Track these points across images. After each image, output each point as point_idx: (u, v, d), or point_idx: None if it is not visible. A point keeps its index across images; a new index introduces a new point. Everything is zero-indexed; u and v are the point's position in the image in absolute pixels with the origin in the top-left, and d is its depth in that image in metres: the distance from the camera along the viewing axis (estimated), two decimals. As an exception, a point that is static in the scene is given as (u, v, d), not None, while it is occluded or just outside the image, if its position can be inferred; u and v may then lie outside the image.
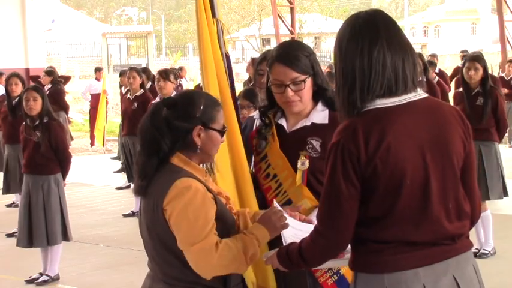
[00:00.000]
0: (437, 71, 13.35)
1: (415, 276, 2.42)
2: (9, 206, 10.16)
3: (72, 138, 13.60)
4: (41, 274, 6.70)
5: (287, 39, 16.25)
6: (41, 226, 6.55)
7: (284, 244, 2.79)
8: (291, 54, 3.26)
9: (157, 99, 8.56)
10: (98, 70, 17.12)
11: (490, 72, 8.83)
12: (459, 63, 17.04)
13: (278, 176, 3.35)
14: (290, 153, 3.31)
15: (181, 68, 17.82)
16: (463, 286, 2.47)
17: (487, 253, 6.90)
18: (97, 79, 16.50)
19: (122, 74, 12.91)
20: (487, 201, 6.95)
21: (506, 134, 11.63)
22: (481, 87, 6.97)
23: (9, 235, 8.40)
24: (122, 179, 12.04)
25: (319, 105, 3.35)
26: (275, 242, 2.89)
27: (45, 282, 6.65)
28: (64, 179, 6.81)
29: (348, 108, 2.47)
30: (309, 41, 36.79)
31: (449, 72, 16.55)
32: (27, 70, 16.14)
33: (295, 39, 17.26)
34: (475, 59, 7.02)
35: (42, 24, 20.36)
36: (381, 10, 2.60)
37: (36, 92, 6.66)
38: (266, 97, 3.46)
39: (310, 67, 3.28)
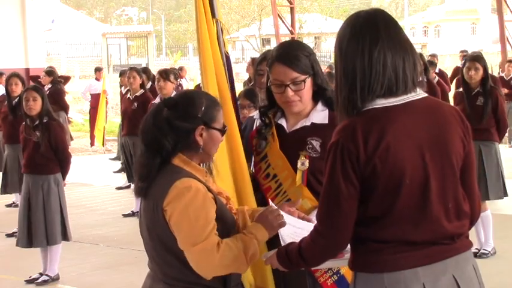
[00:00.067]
0: (437, 71, 13.36)
1: (414, 276, 2.43)
2: (9, 206, 10.16)
3: (72, 138, 13.60)
4: (41, 274, 6.70)
5: (287, 39, 16.25)
6: (41, 226, 6.55)
7: (282, 243, 2.79)
8: (291, 54, 3.26)
9: (157, 99, 8.58)
10: (98, 70, 17.12)
11: (490, 72, 8.83)
12: (459, 63, 17.05)
13: (278, 176, 3.36)
14: (290, 153, 3.31)
15: (181, 68, 17.82)
16: (463, 286, 2.47)
17: (487, 253, 6.90)
18: (97, 79, 16.50)
19: (122, 74, 12.92)
20: (487, 201, 6.95)
21: (506, 134, 11.62)
22: (481, 87, 6.97)
23: (9, 235, 8.40)
24: (122, 179, 12.05)
25: (319, 105, 3.35)
26: (274, 241, 2.89)
27: (45, 282, 6.65)
28: (64, 179, 6.81)
29: (348, 108, 2.47)
30: (309, 41, 36.79)
31: (448, 72, 16.54)
32: (27, 70, 16.14)
33: (295, 39, 17.26)
34: (475, 59, 7.03)
35: (42, 24, 20.37)
36: (381, 9, 2.59)
37: (36, 92, 6.66)
38: (266, 97, 3.46)
39: (310, 67, 3.28)
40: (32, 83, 10.92)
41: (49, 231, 6.56)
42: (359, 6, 51.65)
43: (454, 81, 11.43)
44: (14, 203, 9.98)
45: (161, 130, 2.78)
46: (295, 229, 2.89)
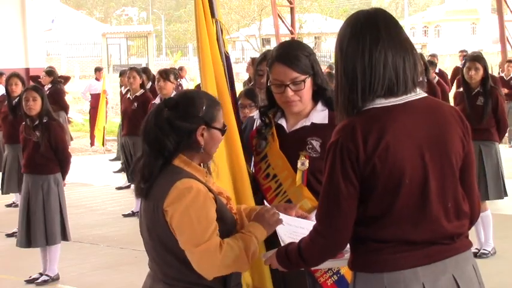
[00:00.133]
0: (437, 71, 13.36)
1: (414, 276, 2.42)
2: (9, 206, 10.17)
3: (71, 138, 13.60)
4: (41, 274, 6.70)
5: (287, 39, 16.24)
6: (40, 226, 6.55)
7: (281, 243, 2.79)
8: (291, 54, 3.26)
9: (158, 100, 8.58)
10: (98, 70, 17.12)
11: (490, 72, 8.83)
12: (459, 63, 17.05)
13: (278, 176, 3.35)
14: (290, 153, 3.31)
15: (181, 68, 17.81)
16: (463, 285, 2.47)
17: (487, 253, 6.90)
18: (97, 79, 16.50)
19: (122, 74, 12.92)
20: (487, 201, 6.95)
21: (506, 134, 11.61)
22: (481, 87, 6.97)
23: (9, 235, 8.40)
24: (122, 179, 12.05)
25: (319, 105, 3.35)
26: (273, 241, 2.89)
27: (45, 282, 6.65)
28: (64, 179, 6.81)
29: (348, 107, 2.47)
30: (309, 41, 36.79)
31: (448, 72, 16.54)
32: (27, 70, 16.14)
33: (295, 39, 17.26)
34: (475, 59, 7.03)
35: (42, 24, 20.37)
36: (382, 9, 2.58)
37: (36, 92, 6.66)
38: (266, 97, 3.46)
39: (310, 67, 3.28)
40: (32, 83, 10.92)
41: (48, 231, 6.56)
42: (359, 6, 51.64)
43: (456, 81, 11.42)
44: (14, 203, 9.98)
45: (163, 130, 2.77)
46: (294, 228, 2.89)
